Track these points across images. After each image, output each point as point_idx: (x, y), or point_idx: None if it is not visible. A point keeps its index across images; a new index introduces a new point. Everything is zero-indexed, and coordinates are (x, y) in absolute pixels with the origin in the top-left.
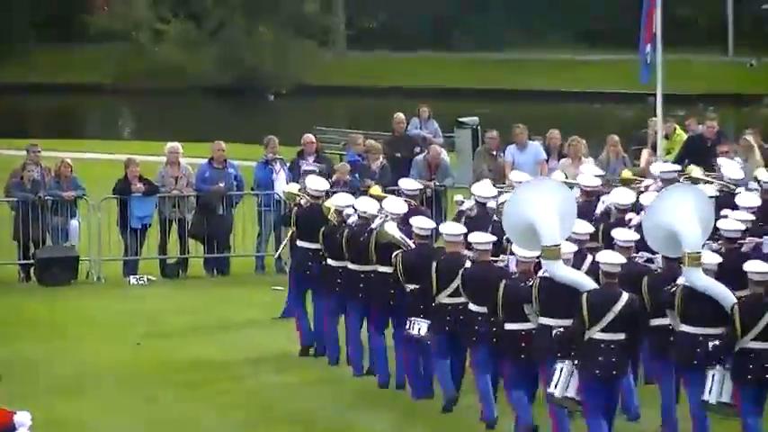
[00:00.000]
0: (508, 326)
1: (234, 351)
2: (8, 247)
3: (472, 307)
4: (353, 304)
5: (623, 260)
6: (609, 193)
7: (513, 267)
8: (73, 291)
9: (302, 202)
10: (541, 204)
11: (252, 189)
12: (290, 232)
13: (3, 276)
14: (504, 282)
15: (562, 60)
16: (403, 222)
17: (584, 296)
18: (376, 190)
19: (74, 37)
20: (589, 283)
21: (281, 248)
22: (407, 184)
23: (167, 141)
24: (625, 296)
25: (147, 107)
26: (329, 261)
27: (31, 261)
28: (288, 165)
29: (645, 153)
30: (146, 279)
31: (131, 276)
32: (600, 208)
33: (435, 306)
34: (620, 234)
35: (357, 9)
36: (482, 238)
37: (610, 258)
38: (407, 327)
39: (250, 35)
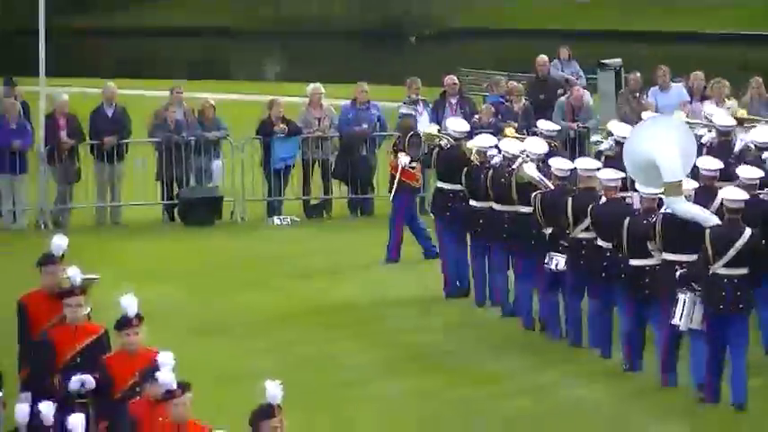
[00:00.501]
0: (633, 262)
1: (378, 292)
2: (152, 187)
3: (600, 243)
4: (498, 245)
5: (746, 196)
6: (747, 131)
7: (637, 204)
8: (216, 231)
9: (442, 143)
10: (662, 141)
11: (395, 130)
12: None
13: (147, 216)
14: (628, 218)
15: (707, 2)
16: (543, 163)
17: (708, 232)
18: (511, 131)
19: None
20: (711, 219)
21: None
22: (545, 125)
23: (310, 83)
24: (748, 231)
25: (291, 50)
26: (472, 202)
27: (175, 201)
28: (430, 106)
29: None
30: (289, 220)
31: (275, 217)
32: (738, 146)
33: (571, 241)
34: (744, 171)
35: None
36: (611, 175)
37: (733, 195)
38: (546, 261)
39: None
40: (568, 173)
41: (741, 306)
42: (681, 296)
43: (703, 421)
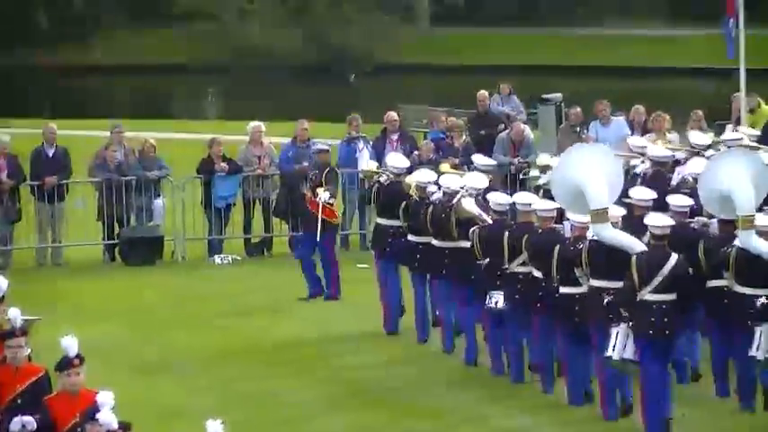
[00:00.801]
0: (563, 290)
1: (319, 329)
2: (93, 227)
3: (536, 273)
4: (437, 280)
5: (671, 222)
6: (684, 164)
7: (568, 233)
8: (157, 270)
9: (382, 179)
10: (588, 169)
11: (336, 167)
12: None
13: (88, 256)
14: (558, 246)
15: (646, 36)
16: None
17: (634, 258)
18: (446, 167)
19: (155, 17)
20: (637, 245)
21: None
22: (481, 160)
23: (250, 121)
24: (674, 257)
25: (230, 87)
26: (411, 237)
27: (116, 241)
28: (371, 143)
29: (728, 128)
30: (230, 259)
31: (216, 256)
32: (675, 179)
33: (507, 275)
34: (674, 200)
35: None
36: (546, 205)
37: (658, 221)
38: (486, 300)
39: (334, 13)
40: (507, 207)
41: (668, 332)
42: (614, 329)
43: None
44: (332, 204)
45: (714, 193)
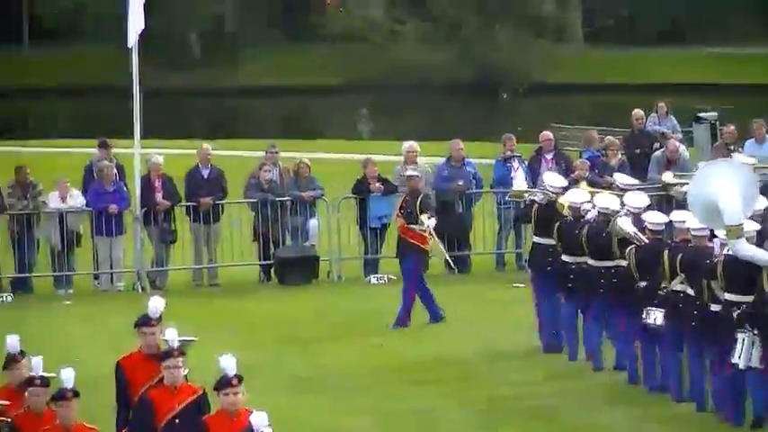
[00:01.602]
0: (714, 307)
1: (473, 348)
2: (248, 247)
3: (688, 290)
4: (594, 300)
5: None
6: None
7: (717, 250)
8: (313, 290)
9: (537, 198)
10: (724, 184)
11: (490, 187)
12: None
13: (244, 277)
14: (707, 263)
15: None
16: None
17: (765, 272)
18: (585, 186)
19: (305, 38)
20: None
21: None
22: (622, 178)
23: (404, 140)
24: None
25: (383, 106)
26: (564, 257)
27: (272, 261)
28: (526, 162)
29: None
30: (386, 278)
31: (371, 275)
32: None
33: (667, 294)
34: None
35: (595, 5)
36: (698, 224)
37: None
38: (643, 316)
39: (486, 33)
40: (662, 226)
41: None
42: (740, 335)
43: None
44: (425, 231)
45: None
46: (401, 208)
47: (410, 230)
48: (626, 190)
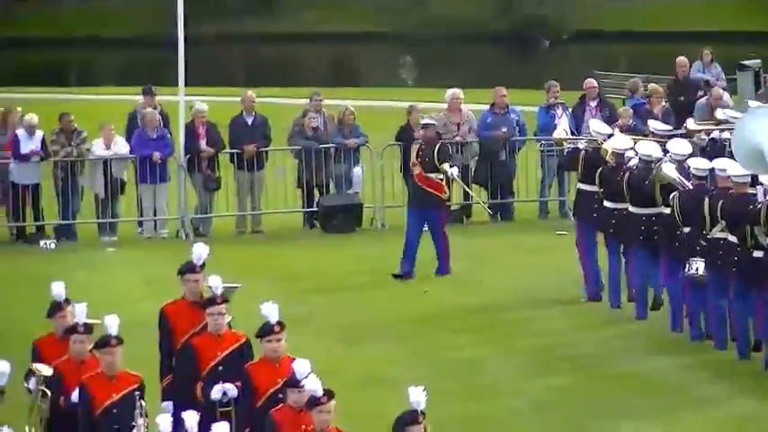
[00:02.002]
0: (756, 254)
1: (517, 296)
2: (292, 195)
3: (729, 237)
4: (636, 247)
5: None
6: None
7: (761, 196)
8: (357, 238)
9: (580, 145)
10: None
11: (534, 134)
12: None
13: (287, 224)
14: (749, 210)
15: None
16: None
17: None
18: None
19: None
20: None
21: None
22: (656, 125)
23: (448, 88)
24: None
25: (426, 56)
26: (606, 203)
27: (315, 209)
28: (570, 109)
29: None
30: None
31: None
32: None
33: (709, 241)
34: None
35: None
36: (739, 171)
37: None
38: (686, 267)
39: None
40: (706, 173)
41: None
42: None
43: None
44: (442, 179)
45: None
46: (417, 156)
47: (428, 179)
48: (661, 137)
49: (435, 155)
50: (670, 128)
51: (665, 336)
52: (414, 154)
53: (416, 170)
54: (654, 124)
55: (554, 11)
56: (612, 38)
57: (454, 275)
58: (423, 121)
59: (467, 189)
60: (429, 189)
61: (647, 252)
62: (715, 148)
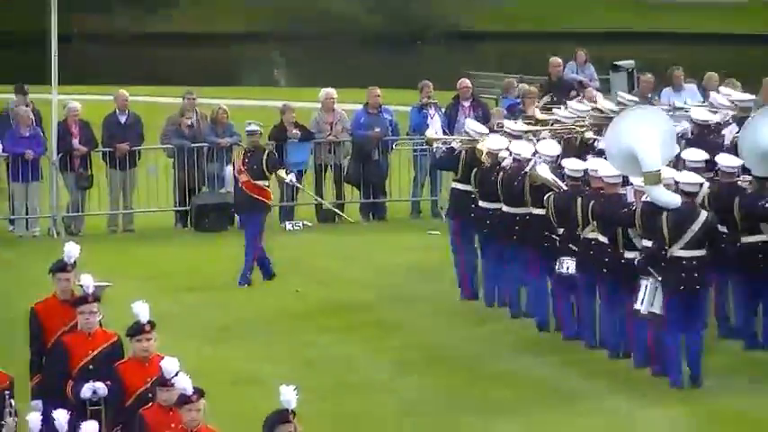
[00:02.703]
0: (628, 255)
1: (390, 295)
2: (165, 193)
3: (600, 238)
4: (509, 246)
5: (702, 180)
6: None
7: (631, 197)
8: (229, 237)
9: (455, 145)
10: (641, 131)
11: (407, 134)
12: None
13: (160, 223)
14: (622, 211)
15: (719, 3)
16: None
17: (664, 216)
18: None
19: None
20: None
21: None
22: (474, 125)
23: (322, 88)
24: (704, 213)
25: (300, 55)
26: (482, 203)
27: (188, 208)
28: (443, 109)
29: None
30: (302, 224)
31: (287, 222)
32: (729, 138)
33: (581, 241)
34: (723, 159)
35: None
36: (610, 171)
37: (689, 178)
38: (557, 266)
39: None
40: (581, 173)
41: (698, 287)
42: (642, 282)
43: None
44: (268, 187)
45: (754, 151)
46: (243, 163)
47: (256, 186)
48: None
49: (264, 163)
50: (486, 130)
51: (537, 335)
52: (239, 161)
53: (244, 177)
54: (471, 124)
55: (425, 10)
56: (485, 38)
57: (327, 274)
58: (248, 129)
59: (310, 194)
60: (257, 196)
61: (519, 252)
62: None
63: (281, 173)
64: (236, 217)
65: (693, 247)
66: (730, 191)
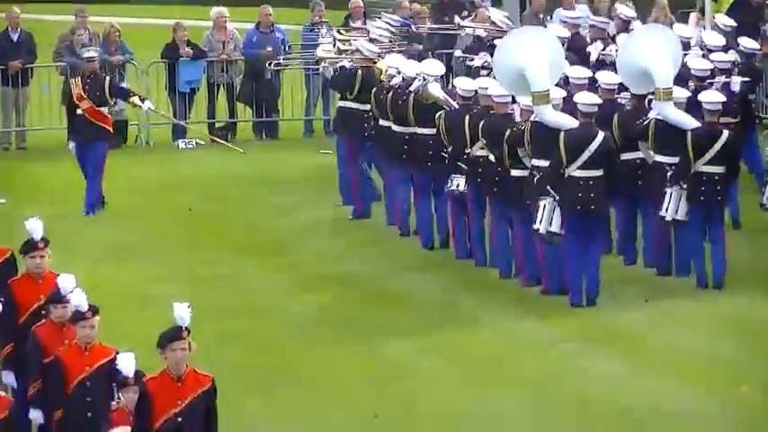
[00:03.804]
0: (514, 173)
1: (283, 214)
2: (57, 111)
3: (490, 156)
4: (399, 164)
5: (599, 101)
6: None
7: (518, 116)
8: (122, 154)
9: (345, 63)
10: (529, 51)
11: (298, 53)
12: None
13: (52, 141)
14: (508, 130)
15: None
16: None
17: (562, 135)
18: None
19: None
20: (573, 125)
21: None
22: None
23: (214, 6)
24: (601, 134)
25: None
26: (379, 121)
27: None
28: (334, 29)
29: (693, 16)
30: (194, 143)
31: (180, 141)
32: (594, 55)
33: (469, 159)
34: (603, 77)
35: None
36: (500, 91)
37: (587, 99)
38: (448, 184)
39: None
40: (472, 93)
41: (593, 207)
42: (541, 202)
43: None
44: (110, 114)
45: (631, 68)
46: (84, 90)
47: (99, 113)
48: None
49: (107, 89)
50: (378, 49)
51: (428, 252)
52: (77, 88)
53: (86, 104)
54: (363, 43)
55: None
56: None
57: (219, 192)
58: (86, 54)
59: (168, 116)
60: (100, 123)
61: (407, 170)
62: None
63: (135, 100)
64: (72, 144)
65: (590, 168)
66: (610, 108)
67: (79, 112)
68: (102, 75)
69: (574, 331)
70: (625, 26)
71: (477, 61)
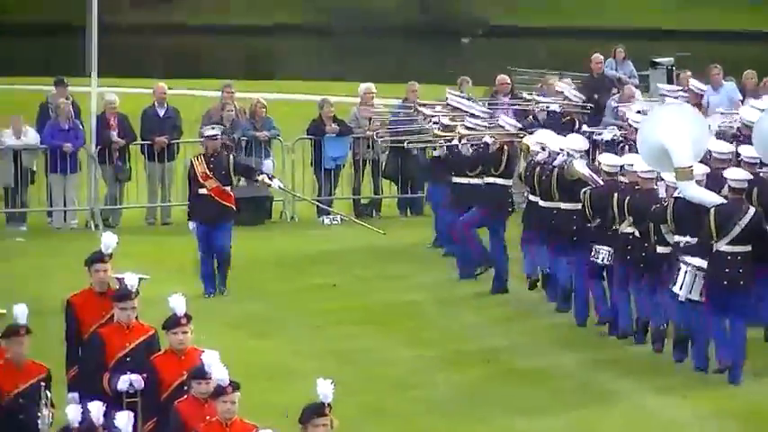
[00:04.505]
0: (660, 249)
1: (426, 292)
2: None
3: (636, 233)
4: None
5: (749, 176)
6: None
7: (662, 193)
8: (266, 230)
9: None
10: (672, 127)
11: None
12: None
13: None
14: (653, 206)
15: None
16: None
17: (712, 210)
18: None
19: None
20: (719, 202)
21: None
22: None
23: (361, 82)
24: (751, 210)
25: (341, 49)
26: (530, 197)
27: None
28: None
29: None
30: (339, 219)
31: (324, 216)
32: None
33: (617, 235)
34: (746, 150)
35: None
36: (645, 167)
37: (737, 174)
38: (591, 254)
39: None
40: (617, 168)
41: (742, 283)
42: (683, 267)
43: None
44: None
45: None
46: (209, 169)
47: (224, 193)
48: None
49: (231, 167)
50: (519, 125)
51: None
52: (201, 167)
53: (212, 184)
54: (505, 119)
55: (467, 6)
56: (526, 34)
57: (366, 270)
58: (207, 133)
59: (295, 194)
60: (225, 203)
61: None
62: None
63: (263, 178)
64: (193, 225)
65: (740, 243)
66: (751, 182)
67: (204, 191)
68: (225, 153)
69: (715, 407)
70: (698, 99)
71: (607, 134)
